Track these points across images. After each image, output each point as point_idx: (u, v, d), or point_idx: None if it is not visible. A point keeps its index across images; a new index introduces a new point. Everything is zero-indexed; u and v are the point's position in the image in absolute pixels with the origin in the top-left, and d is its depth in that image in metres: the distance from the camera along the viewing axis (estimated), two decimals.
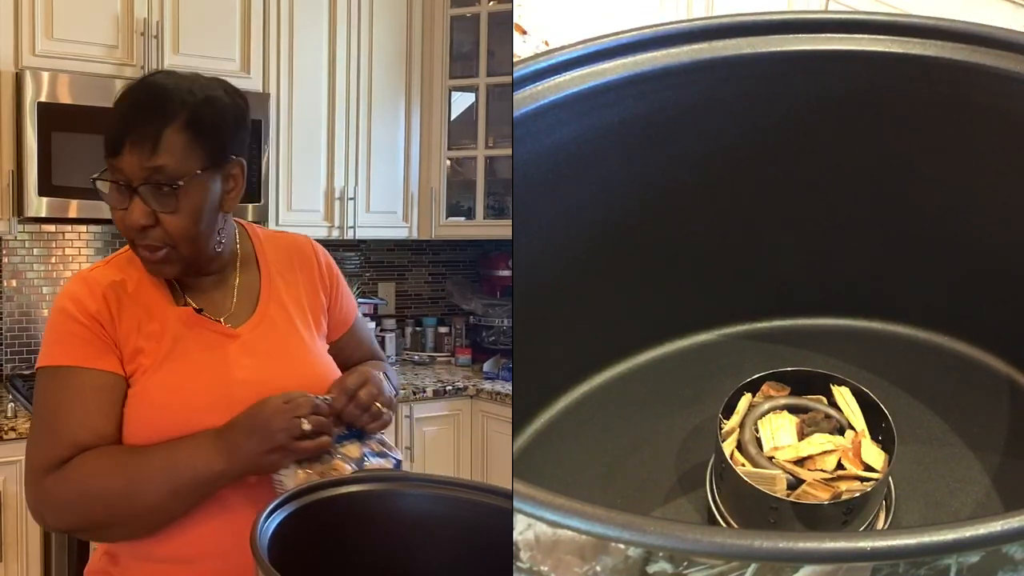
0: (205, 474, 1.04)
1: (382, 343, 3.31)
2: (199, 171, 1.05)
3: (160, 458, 1.05)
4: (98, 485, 1.05)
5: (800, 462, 0.96)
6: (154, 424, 1.07)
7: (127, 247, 1.15)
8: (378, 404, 1.13)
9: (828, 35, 1.06)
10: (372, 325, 3.26)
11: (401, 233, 3.24)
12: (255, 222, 2.88)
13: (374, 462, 1.11)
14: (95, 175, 1.06)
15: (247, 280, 1.19)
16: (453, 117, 3.29)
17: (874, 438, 0.98)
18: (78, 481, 1.06)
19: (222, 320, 1.14)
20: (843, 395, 1.01)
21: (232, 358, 1.12)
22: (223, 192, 1.10)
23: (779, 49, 1.07)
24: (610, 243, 1.13)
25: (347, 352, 1.30)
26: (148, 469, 1.05)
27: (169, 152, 1.03)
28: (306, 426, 1.04)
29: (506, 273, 3.34)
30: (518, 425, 1.12)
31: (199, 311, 1.12)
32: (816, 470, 0.95)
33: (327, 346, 1.25)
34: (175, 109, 1.04)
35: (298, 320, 1.20)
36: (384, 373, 1.26)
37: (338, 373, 1.20)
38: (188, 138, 1.04)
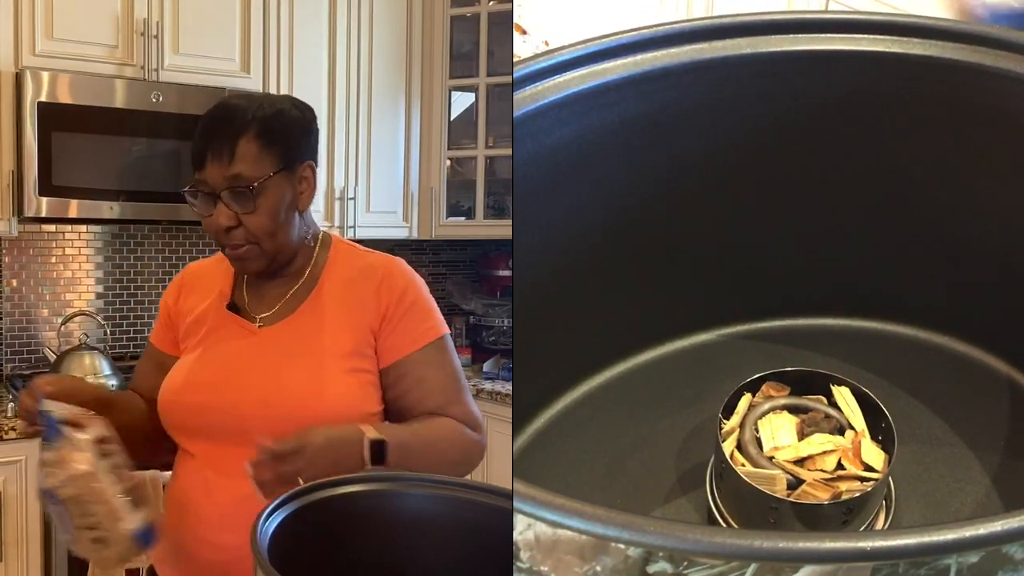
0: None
1: None
2: (272, 174, 1.18)
3: None
4: None
5: (800, 462, 0.96)
6: (164, 393, 1.23)
7: None
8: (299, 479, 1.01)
9: (828, 35, 1.06)
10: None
11: (401, 233, 3.24)
12: None
13: None
14: (185, 188, 1.19)
15: (304, 289, 1.26)
16: (453, 117, 3.29)
17: (874, 438, 0.98)
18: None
19: (257, 318, 1.25)
20: (843, 395, 1.01)
21: (242, 351, 1.23)
22: (296, 192, 1.22)
23: (779, 49, 1.07)
24: (610, 243, 1.13)
25: (406, 383, 1.22)
26: None
27: (244, 160, 1.16)
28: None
29: (506, 273, 3.34)
30: (518, 425, 1.12)
31: (233, 307, 1.26)
32: (816, 470, 0.95)
33: (364, 369, 1.21)
34: (247, 122, 1.17)
35: (328, 332, 1.22)
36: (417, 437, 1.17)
37: (346, 397, 1.18)
38: (260, 146, 1.17)
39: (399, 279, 1.28)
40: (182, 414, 1.23)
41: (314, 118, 1.27)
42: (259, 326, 1.25)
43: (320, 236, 1.31)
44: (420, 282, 1.31)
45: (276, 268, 1.25)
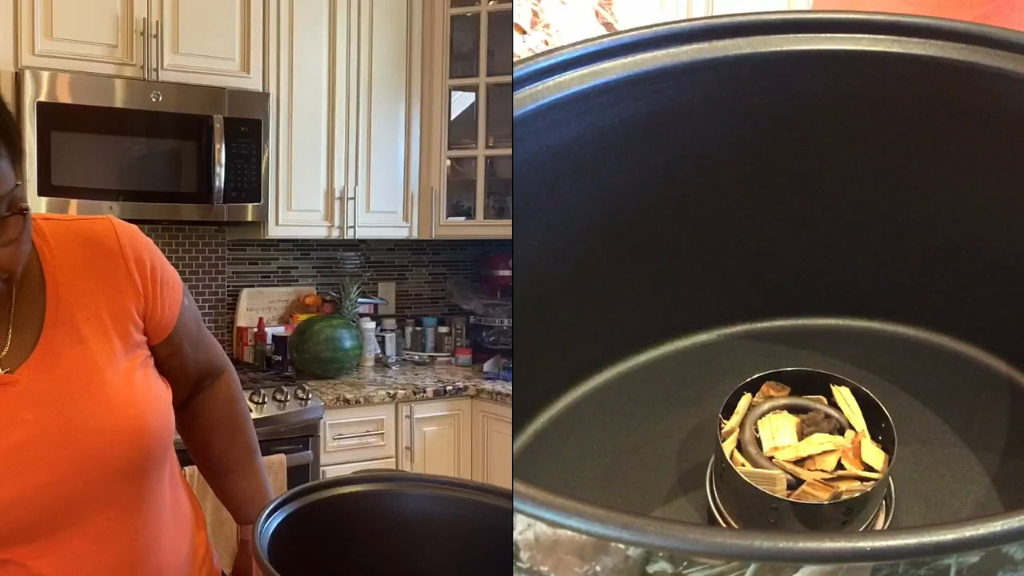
0: None
1: (382, 343, 3.32)
2: (16, 184, 0.89)
3: None
4: None
5: (800, 462, 0.95)
6: None
7: None
8: None
9: (828, 35, 1.06)
10: (372, 326, 3.26)
11: (401, 233, 3.24)
12: (254, 222, 2.93)
13: None
14: None
15: (27, 300, 0.95)
16: (453, 117, 3.29)
17: (874, 438, 0.98)
18: None
19: None
20: (843, 395, 1.01)
21: (9, 415, 0.91)
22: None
23: (779, 49, 1.07)
24: (610, 243, 1.13)
25: (171, 362, 1.07)
26: None
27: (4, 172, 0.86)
28: None
29: (506, 273, 3.34)
30: (518, 425, 1.12)
31: None
32: (816, 470, 0.95)
33: (146, 356, 1.03)
34: None
35: (95, 344, 0.97)
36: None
37: (156, 399, 1.00)
38: (7, 150, 0.87)
39: (129, 244, 1.03)
40: None
41: None
42: (7, 372, 0.92)
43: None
44: (143, 239, 1.06)
45: None
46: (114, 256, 1.01)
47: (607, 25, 1.95)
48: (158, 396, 1.01)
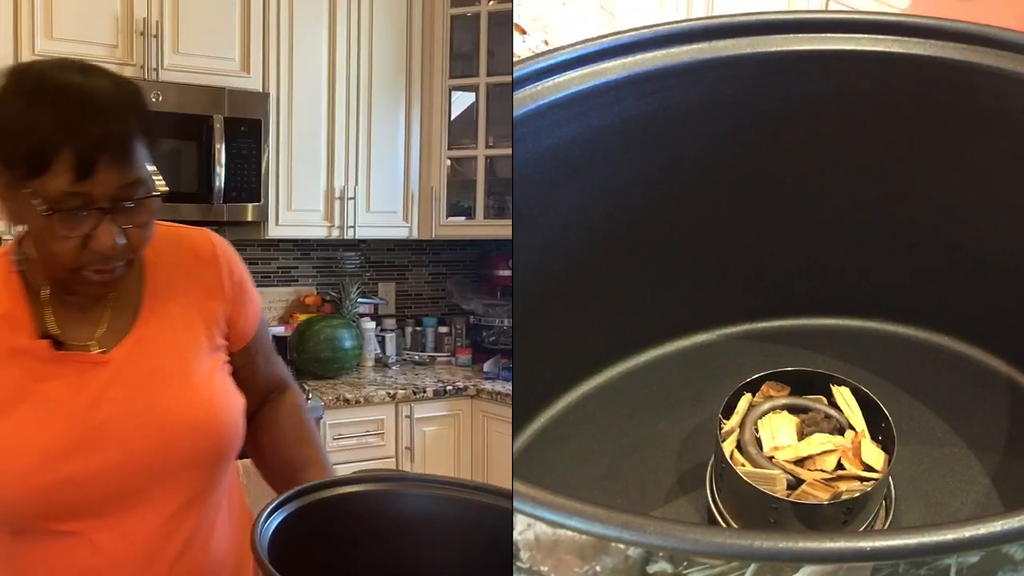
0: None
1: (382, 343, 3.32)
2: (152, 173, 0.94)
3: None
4: None
5: (800, 462, 0.96)
6: (3, 478, 0.93)
7: None
8: None
9: (828, 35, 1.06)
10: (372, 326, 3.26)
11: (401, 233, 3.24)
12: (254, 222, 2.93)
13: None
14: (48, 208, 0.88)
15: (127, 291, 1.02)
16: (453, 117, 3.29)
17: (874, 438, 0.98)
18: None
19: (92, 342, 0.99)
20: (843, 395, 1.01)
21: (98, 392, 0.97)
22: None
23: (779, 49, 1.07)
24: (610, 243, 1.13)
25: (258, 360, 1.14)
26: None
27: (139, 162, 0.92)
28: None
29: (506, 273, 3.34)
30: (518, 425, 1.12)
31: (59, 344, 0.97)
32: (816, 470, 0.95)
33: (225, 360, 1.09)
34: (132, 111, 0.93)
35: (184, 338, 1.03)
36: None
37: (233, 399, 1.05)
38: (145, 142, 0.93)
39: (223, 255, 1.10)
40: (52, 496, 0.94)
41: None
42: (101, 352, 0.98)
43: None
44: (233, 252, 1.13)
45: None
46: (208, 262, 1.09)
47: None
48: (235, 398, 1.06)
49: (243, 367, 1.11)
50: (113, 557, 0.97)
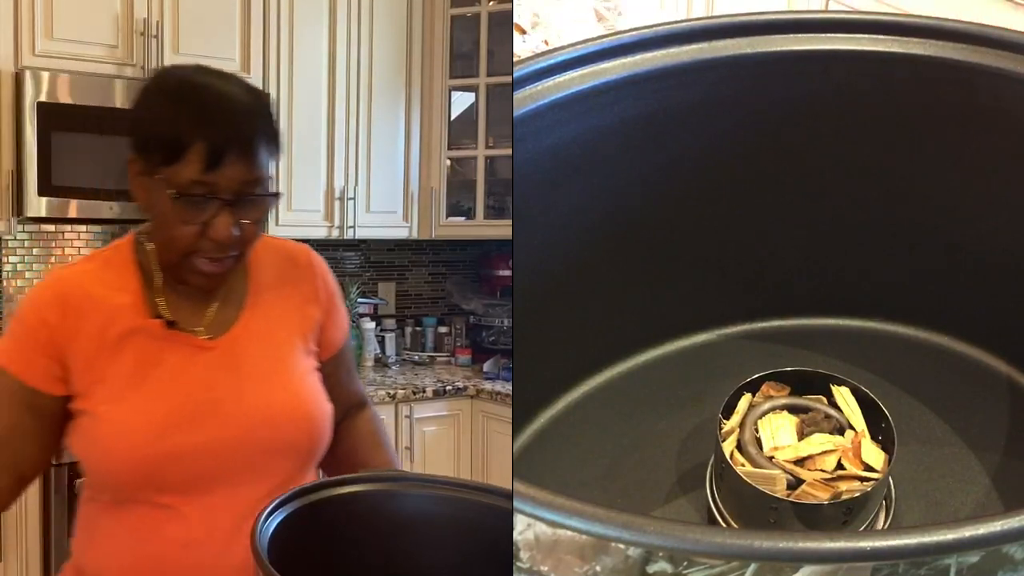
0: None
1: (382, 343, 3.32)
2: (273, 174, 1.06)
3: None
4: None
5: (800, 462, 0.96)
6: (116, 447, 1.01)
7: (105, 248, 1.11)
8: None
9: (828, 35, 1.06)
10: (372, 326, 3.26)
11: (401, 233, 3.24)
12: None
13: None
14: (176, 193, 0.98)
15: (234, 288, 1.11)
16: (453, 117, 3.29)
17: (874, 438, 0.98)
18: None
19: (201, 329, 1.07)
20: (843, 395, 1.01)
21: (205, 373, 1.05)
22: None
23: (779, 49, 1.07)
24: (610, 243, 1.13)
25: (340, 373, 1.20)
26: None
27: (264, 162, 1.02)
28: None
29: (506, 273, 3.34)
30: (518, 425, 1.12)
31: (171, 324, 1.05)
32: (816, 470, 0.95)
33: (316, 366, 1.15)
34: (263, 114, 1.04)
35: (284, 336, 1.11)
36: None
37: (318, 397, 1.11)
38: (272, 145, 1.04)
39: (319, 268, 1.19)
40: (154, 466, 1.01)
41: None
42: (209, 338, 1.07)
43: None
44: (327, 267, 1.22)
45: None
46: (306, 271, 1.17)
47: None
48: (327, 400, 1.12)
49: (328, 376, 1.16)
50: (200, 532, 1.01)
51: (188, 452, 1.01)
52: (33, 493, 2.22)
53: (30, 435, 1.04)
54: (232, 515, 1.02)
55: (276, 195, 1.06)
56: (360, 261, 3.44)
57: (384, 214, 3.18)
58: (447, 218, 3.27)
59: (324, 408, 1.11)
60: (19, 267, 2.73)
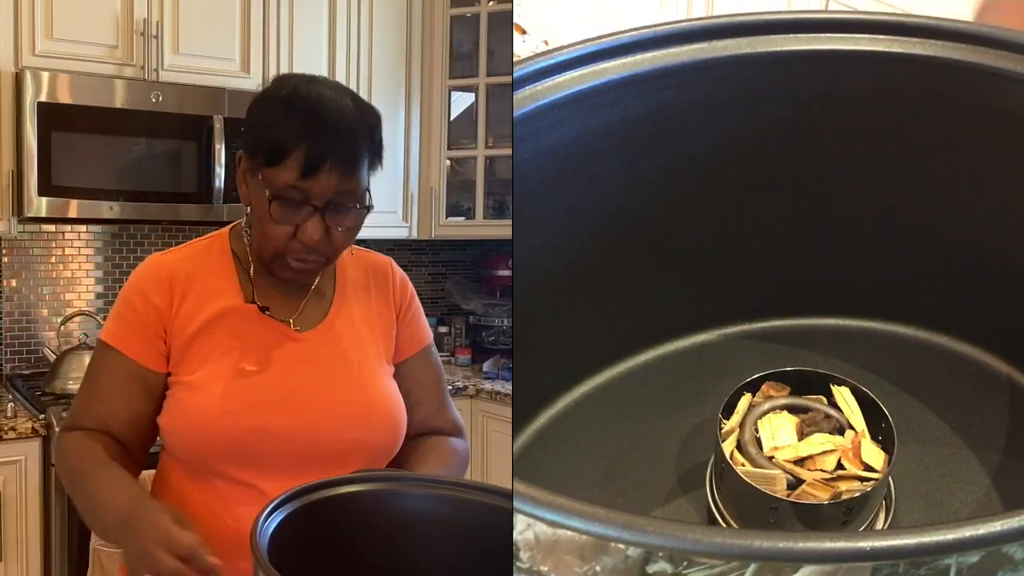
0: (108, 529, 1.03)
1: None
2: (367, 189, 1.10)
3: (96, 486, 1.05)
4: (68, 474, 1.10)
5: (800, 462, 0.96)
6: (208, 417, 1.07)
7: (202, 238, 1.18)
8: None
9: (828, 35, 1.06)
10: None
11: (401, 233, 3.24)
12: None
13: None
14: (271, 193, 1.04)
15: (321, 291, 1.18)
16: (453, 117, 3.29)
17: (874, 438, 0.98)
18: (66, 454, 1.11)
19: (291, 322, 1.14)
20: (843, 395, 1.01)
21: (295, 361, 1.12)
22: None
23: (779, 49, 1.07)
24: (610, 243, 1.13)
25: (407, 383, 1.23)
26: (85, 489, 1.07)
27: (361, 175, 1.07)
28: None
29: (506, 273, 3.34)
30: (518, 425, 1.12)
31: (264, 309, 1.12)
32: (816, 470, 0.95)
33: (393, 370, 1.22)
34: (366, 130, 1.08)
35: (365, 338, 1.18)
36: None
37: (398, 399, 1.17)
38: (370, 159, 1.09)
39: (404, 280, 1.26)
40: (240, 440, 1.07)
41: None
42: (297, 330, 1.14)
43: None
44: (407, 279, 1.29)
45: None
46: (387, 280, 1.24)
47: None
48: (403, 404, 1.18)
49: (402, 380, 1.21)
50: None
51: (274, 432, 1.07)
52: (33, 493, 2.22)
53: (145, 414, 1.11)
54: None
55: (368, 207, 1.10)
56: None
57: (384, 214, 3.18)
58: (447, 218, 3.27)
59: (402, 411, 1.17)
60: (19, 267, 2.73)
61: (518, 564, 0.69)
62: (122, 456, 1.11)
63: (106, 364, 1.12)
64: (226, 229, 1.20)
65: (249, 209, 1.12)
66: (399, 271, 1.27)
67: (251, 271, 1.15)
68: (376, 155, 1.11)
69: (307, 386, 1.11)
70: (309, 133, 1.04)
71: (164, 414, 1.11)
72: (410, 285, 1.27)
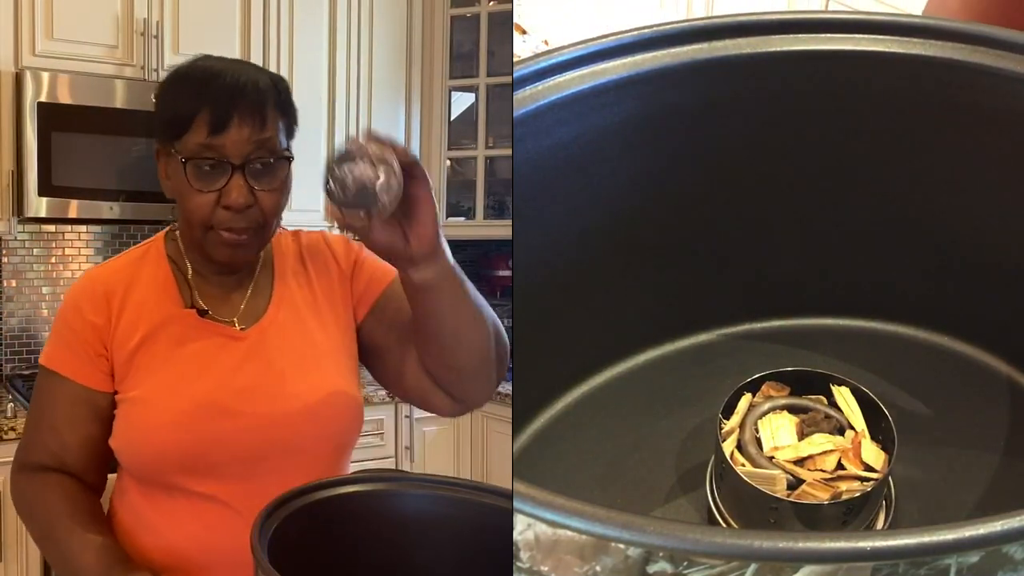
0: None
1: None
2: (287, 148, 1.07)
3: (64, 549, 1.03)
4: (33, 526, 1.09)
5: (800, 462, 0.95)
6: (156, 431, 1.04)
7: (138, 246, 1.15)
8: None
9: (828, 35, 1.06)
10: None
11: None
12: None
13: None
14: (186, 158, 1.01)
15: (262, 282, 1.15)
16: (453, 117, 3.29)
17: (874, 438, 0.98)
18: (26, 502, 1.09)
19: (234, 321, 1.11)
20: (843, 395, 1.01)
21: (237, 363, 1.08)
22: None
23: (779, 49, 1.07)
24: (610, 243, 1.13)
25: (393, 306, 1.16)
26: (57, 547, 1.05)
27: (273, 127, 1.04)
28: None
29: (506, 273, 3.34)
30: (518, 425, 1.12)
31: (204, 313, 1.09)
32: (816, 470, 0.95)
33: (354, 338, 1.17)
34: (269, 87, 1.04)
35: (312, 322, 1.14)
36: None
37: (354, 381, 1.14)
38: (280, 116, 1.05)
39: (342, 241, 1.20)
40: (192, 450, 1.04)
41: None
42: (241, 328, 1.10)
43: None
44: (342, 238, 1.22)
45: (238, 265, 1.11)
46: (321, 250, 1.18)
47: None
48: (357, 389, 1.15)
49: (377, 327, 1.16)
50: (236, 521, 1.03)
51: (226, 439, 1.04)
52: None
53: (99, 439, 1.08)
54: (266, 502, 1.03)
55: (288, 159, 1.06)
56: None
57: None
58: (447, 218, 3.27)
59: (354, 399, 1.14)
60: (19, 267, 2.73)
61: (518, 564, 0.69)
62: (81, 495, 1.08)
63: (50, 390, 1.08)
64: (160, 234, 1.18)
65: (176, 203, 1.09)
66: (333, 238, 1.21)
67: (189, 274, 1.12)
68: (286, 113, 1.06)
69: (254, 387, 1.07)
70: (210, 93, 1.01)
71: (114, 435, 1.08)
72: (353, 243, 1.19)
